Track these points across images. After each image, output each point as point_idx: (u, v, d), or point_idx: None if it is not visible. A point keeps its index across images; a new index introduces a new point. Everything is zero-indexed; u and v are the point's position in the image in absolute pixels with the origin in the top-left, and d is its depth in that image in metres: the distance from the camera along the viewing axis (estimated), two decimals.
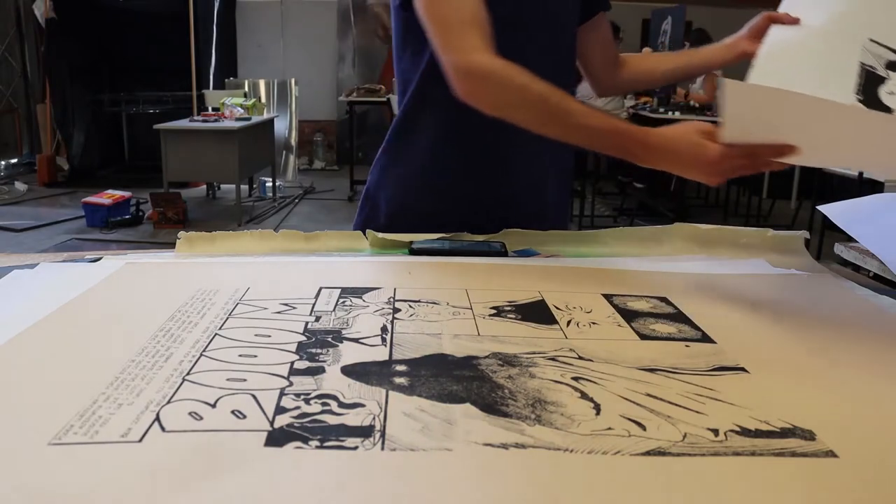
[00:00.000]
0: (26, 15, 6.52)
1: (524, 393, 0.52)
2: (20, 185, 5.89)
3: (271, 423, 0.46)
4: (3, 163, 6.56)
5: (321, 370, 0.55)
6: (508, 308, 0.70)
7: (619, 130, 0.82)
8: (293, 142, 6.77)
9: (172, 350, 0.58)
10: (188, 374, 0.53)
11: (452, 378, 0.54)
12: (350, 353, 0.58)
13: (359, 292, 0.74)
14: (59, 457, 0.42)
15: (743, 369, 0.58)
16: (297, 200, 5.79)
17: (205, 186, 5.99)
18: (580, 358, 0.59)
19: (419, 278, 0.80)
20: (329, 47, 7.44)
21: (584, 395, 0.52)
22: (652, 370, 0.57)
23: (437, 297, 0.73)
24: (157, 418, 0.47)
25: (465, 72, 0.85)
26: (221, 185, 5.94)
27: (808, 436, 0.47)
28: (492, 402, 0.51)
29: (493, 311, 0.69)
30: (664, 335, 0.65)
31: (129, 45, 6.72)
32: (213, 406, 0.49)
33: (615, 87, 1.21)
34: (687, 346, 0.63)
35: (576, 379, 0.55)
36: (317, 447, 0.44)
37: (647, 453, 0.45)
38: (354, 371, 0.55)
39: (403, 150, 1.04)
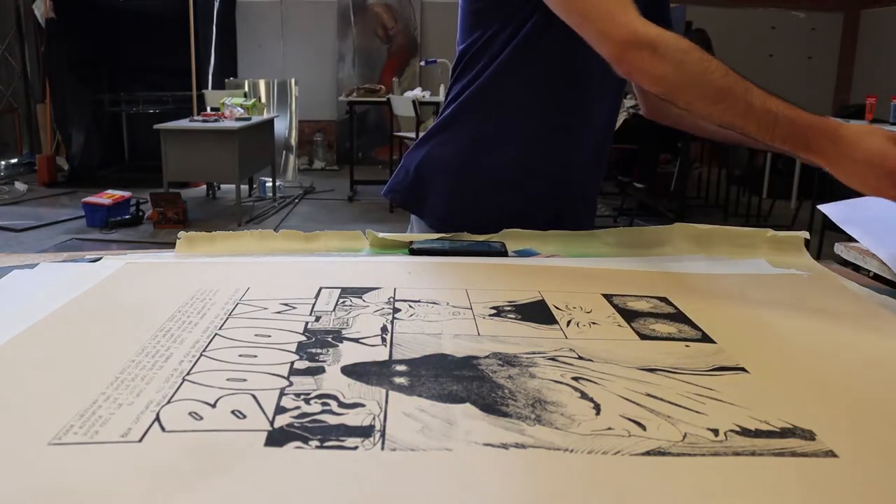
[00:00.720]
0: (26, 15, 6.52)
1: (524, 393, 0.52)
2: (20, 185, 5.89)
3: (271, 423, 0.46)
4: (3, 163, 6.56)
5: (321, 370, 0.55)
6: (508, 308, 0.70)
7: (804, 119, 0.72)
8: (293, 142, 6.77)
9: (172, 350, 0.58)
10: (188, 374, 0.53)
11: (452, 378, 0.54)
12: (350, 353, 0.58)
13: (359, 292, 0.74)
14: (59, 457, 0.42)
15: (743, 369, 0.58)
16: (297, 200, 5.79)
17: (205, 186, 5.99)
18: (580, 358, 0.59)
19: (419, 278, 0.80)
20: (329, 47, 7.44)
21: (584, 395, 0.52)
22: (652, 370, 0.57)
23: (437, 297, 0.73)
24: (157, 418, 0.47)
25: (636, 44, 0.78)
26: (221, 185, 5.94)
27: (808, 436, 0.47)
28: (492, 401, 0.51)
29: (493, 311, 0.69)
30: (664, 335, 0.65)
31: (129, 45, 6.72)
32: (213, 406, 0.48)
33: (661, 112, 1.08)
34: (687, 345, 0.63)
35: (576, 379, 0.55)
36: (317, 447, 0.44)
37: (647, 453, 0.45)
38: (354, 371, 0.55)
39: (471, 121, 1.06)
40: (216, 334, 0.61)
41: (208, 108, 5.41)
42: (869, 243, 0.93)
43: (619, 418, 0.49)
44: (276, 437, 0.45)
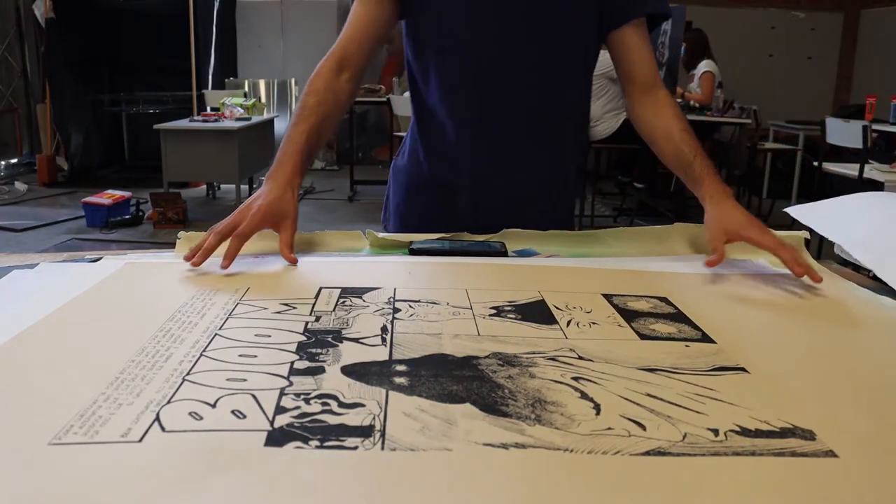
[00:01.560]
0: (26, 15, 6.52)
1: (524, 393, 0.52)
2: (20, 185, 5.89)
3: (271, 423, 0.46)
4: (3, 163, 6.55)
5: (321, 370, 0.55)
6: (508, 308, 0.70)
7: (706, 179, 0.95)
8: None
9: (172, 350, 0.58)
10: (188, 374, 0.53)
11: (452, 378, 0.54)
12: (350, 353, 0.58)
13: (359, 292, 0.73)
14: (60, 457, 0.42)
15: (743, 369, 0.58)
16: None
17: (205, 186, 5.98)
18: (580, 358, 0.59)
19: (419, 278, 0.80)
20: (329, 47, 7.42)
21: (584, 395, 0.52)
22: (652, 370, 0.57)
23: (437, 297, 0.73)
24: (157, 418, 0.47)
25: None
26: (221, 185, 5.93)
27: (808, 436, 0.47)
28: (492, 402, 0.51)
29: (494, 311, 0.69)
30: (664, 335, 0.65)
31: (129, 45, 6.71)
32: (214, 406, 0.49)
33: (634, 117, 1.07)
34: (687, 345, 0.63)
35: (576, 379, 0.55)
36: (317, 447, 0.44)
37: (647, 453, 0.45)
38: (354, 371, 0.55)
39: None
40: (216, 334, 0.61)
41: (208, 108, 5.41)
42: (828, 233, 0.95)
43: (619, 418, 0.49)
44: (276, 437, 0.45)
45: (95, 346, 0.59)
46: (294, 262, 0.81)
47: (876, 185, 3.31)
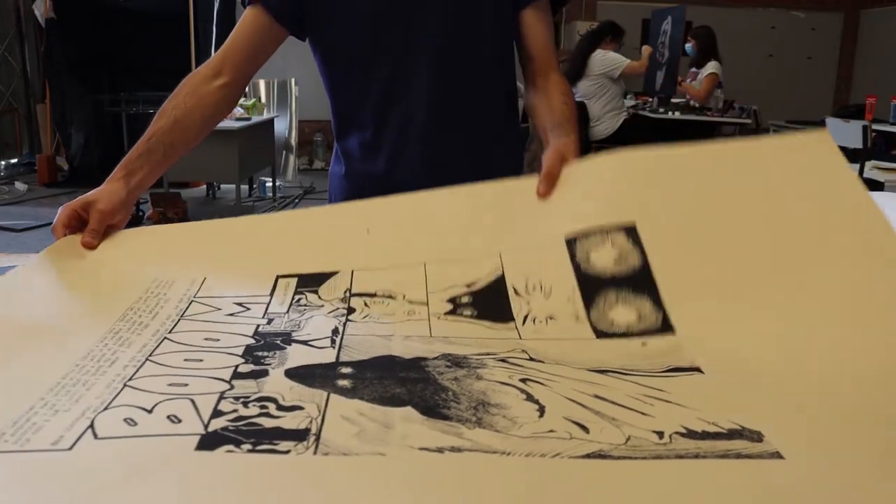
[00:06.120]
0: (26, 15, 6.52)
1: (468, 395, 0.51)
2: (20, 185, 5.89)
3: (205, 427, 0.45)
4: (3, 163, 6.55)
5: (265, 373, 0.54)
6: (466, 299, 0.67)
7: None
8: (293, 142, 6.76)
9: (119, 354, 0.56)
10: (130, 379, 0.52)
11: (397, 380, 0.53)
12: (297, 356, 0.57)
13: (315, 282, 0.71)
14: None
15: (698, 370, 0.56)
16: (297, 200, 5.79)
17: (205, 186, 5.98)
18: (531, 359, 0.58)
19: (378, 242, 0.75)
20: None
21: (529, 397, 0.51)
22: (603, 371, 0.56)
23: (394, 286, 0.70)
24: (91, 425, 0.45)
25: None
26: (221, 185, 5.93)
27: (756, 437, 0.46)
28: (434, 404, 0.50)
29: (450, 308, 0.67)
30: (621, 330, 0.62)
31: (129, 45, 6.71)
32: (150, 412, 0.47)
33: (527, 101, 1.04)
34: (643, 344, 0.61)
35: (524, 380, 0.54)
36: (248, 451, 0.43)
37: (587, 456, 0.44)
38: (298, 373, 0.54)
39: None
40: (165, 338, 0.60)
41: None
42: None
43: (563, 420, 0.48)
44: (208, 441, 0.44)
45: (41, 349, 0.57)
46: (90, 247, 0.77)
47: (876, 185, 3.31)
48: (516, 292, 0.67)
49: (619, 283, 0.65)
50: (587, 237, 0.68)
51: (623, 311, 0.63)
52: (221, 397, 0.49)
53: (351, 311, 0.66)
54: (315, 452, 0.43)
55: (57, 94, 6.21)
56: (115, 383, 0.51)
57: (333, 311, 0.66)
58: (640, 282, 0.64)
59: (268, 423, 0.46)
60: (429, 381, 0.53)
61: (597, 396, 0.51)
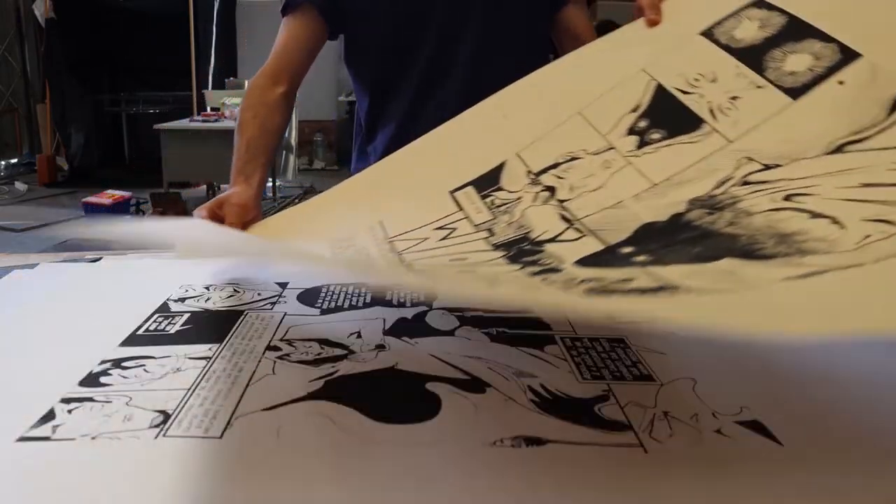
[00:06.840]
0: (26, 15, 6.52)
1: (760, 234, 0.44)
2: (20, 185, 5.89)
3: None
4: (3, 163, 6.55)
5: (557, 269, 0.48)
6: (643, 124, 0.59)
7: None
8: (293, 142, 6.76)
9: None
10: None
11: (686, 242, 0.47)
12: (564, 252, 0.50)
13: (490, 182, 0.63)
14: None
15: None
16: (297, 200, 5.79)
17: (205, 186, 5.98)
18: (765, 167, 0.49)
19: (521, 118, 0.67)
20: (329, 47, 7.39)
21: (812, 214, 0.44)
22: (839, 149, 0.47)
23: (568, 143, 0.61)
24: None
25: None
26: (221, 185, 5.93)
27: None
28: (745, 252, 0.43)
29: (636, 140, 0.58)
30: (807, 77, 0.54)
31: (129, 45, 6.71)
32: None
33: None
34: (840, 83, 0.52)
35: (787, 198, 0.46)
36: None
37: None
38: (592, 262, 0.48)
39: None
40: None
41: (208, 108, 5.40)
42: None
43: (865, 223, 0.41)
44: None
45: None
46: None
47: None
48: (683, 91, 0.61)
49: (776, 41, 0.59)
50: (720, 24, 0.64)
51: (795, 59, 0.57)
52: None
53: (550, 190, 0.59)
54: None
55: (57, 94, 6.21)
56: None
57: (534, 199, 0.59)
58: (796, 30, 0.58)
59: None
60: (710, 234, 0.46)
61: (865, 185, 0.45)
